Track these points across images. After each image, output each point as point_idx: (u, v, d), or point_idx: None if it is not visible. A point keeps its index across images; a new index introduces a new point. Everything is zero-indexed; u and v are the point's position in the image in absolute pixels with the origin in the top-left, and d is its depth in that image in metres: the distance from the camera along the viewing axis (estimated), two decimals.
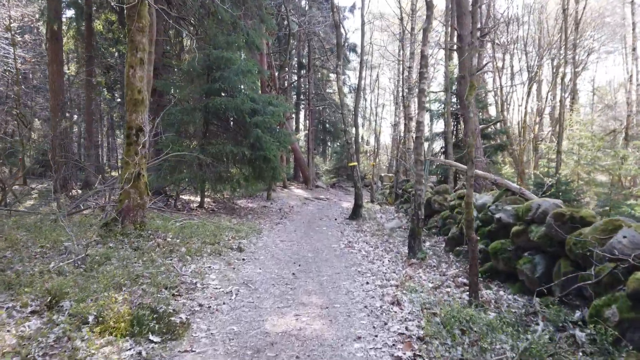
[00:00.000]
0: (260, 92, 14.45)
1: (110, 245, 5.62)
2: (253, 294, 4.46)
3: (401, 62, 28.07)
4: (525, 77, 20.86)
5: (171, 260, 5.37)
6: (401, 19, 18.48)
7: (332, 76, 31.52)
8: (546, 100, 20.69)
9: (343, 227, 9.83)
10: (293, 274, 5.41)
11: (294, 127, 27.21)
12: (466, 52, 10.03)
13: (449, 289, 4.62)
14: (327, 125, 31.22)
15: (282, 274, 5.38)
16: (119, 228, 6.02)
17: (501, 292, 4.55)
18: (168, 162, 10.68)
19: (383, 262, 6.07)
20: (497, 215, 5.06)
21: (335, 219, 11.26)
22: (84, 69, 14.89)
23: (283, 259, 6.29)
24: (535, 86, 20.62)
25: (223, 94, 10.81)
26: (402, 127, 34.04)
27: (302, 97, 27.25)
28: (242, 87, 10.85)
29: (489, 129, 11.98)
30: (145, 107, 6.54)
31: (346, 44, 27.45)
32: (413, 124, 24.20)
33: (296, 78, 28.80)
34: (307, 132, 26.62)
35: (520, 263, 4.41)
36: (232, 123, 11.67)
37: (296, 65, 26.95)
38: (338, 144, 33.33)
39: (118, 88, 18.71)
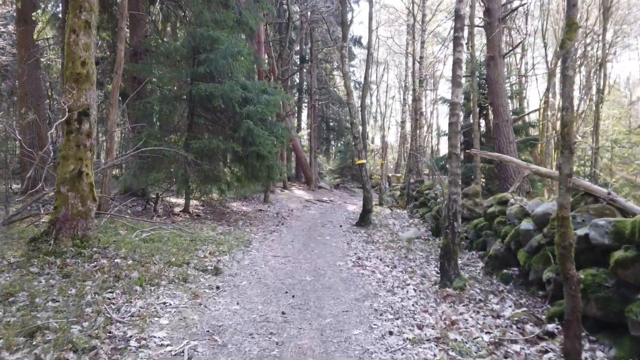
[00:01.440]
0: (257, 78, 12.88)
1: (33, 269, 4.07)
2: (216, 358, 2.89)
3: (410, 55, 26.48)
4: (543, 68, 19.14)
5: (112, 293, 3.82)
6: (412, 2, 16.87)
7: (336, 73, 30.01)
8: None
9: (350, 237, 8.24)
10: (283, 312, 3.83)
11: (295, 125, 25.67)
12: (496, 28, 8.43)
13: (517, 347, 3.02)
14: (331, 123, 29.65)
15: (267, 313, 3.80)
16: (51, 244, 4.48)
17: (599, 354, 2.94)
18: (144, 160, 9.17)
19: (407, 291, 4.47)
20: (581, 232, 3.45)
21: (340, 226, 9.67)
22: (60, 57, 13.41)
23: (272, 285, 4.71)
24: (556, 77, 18.86)
25: (209, 81, 9.25)
26: (408, 125, 32.40)
27: (304, 93, 25.69)
28: (231, 71, 9.30)
29: (518, 122, 10.36)
30: (92, 85, 4.99)
31: (351, 35, 25.88)
32: (424, 119, 22.55)
33: (298, 73, 27.26)
34: (309, 130, 25.06)
35: (635, 311, 2.81)
36: (221, 114, 10.12)
37: (298, 60, 25.42)
38: (342, 142, 31.75)
39: (108, 81, 17.27)
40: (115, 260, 4.56)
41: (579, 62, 18.40)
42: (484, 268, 5.31)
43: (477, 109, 8.73)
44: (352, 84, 29.58)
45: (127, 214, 8.80)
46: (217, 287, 4.45)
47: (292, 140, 19.17)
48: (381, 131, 31.86)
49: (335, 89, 29.41)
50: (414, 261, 6.06)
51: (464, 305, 3.99)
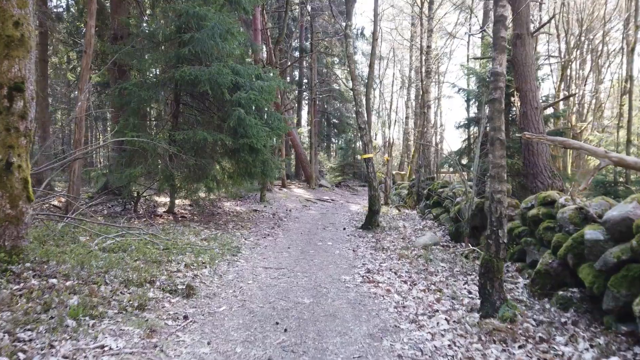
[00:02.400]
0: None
1: None
2: None
3: (415, 47, 25.36)
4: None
5: (32, 331, 2.72)
6: None
7: (337, 67, 28.85)
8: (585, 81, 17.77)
9: (355, 242, 7.14)
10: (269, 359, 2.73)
11: (295, 122, 24.55)
12: (524, 0, 7.30)
13: None
14: (332, 119, 28.54)
15: None
16: None
17: None
18: (123, 154, 8.10)
19: (437, 322, 3.37)
20: None
21: (344, 229, 8.56)
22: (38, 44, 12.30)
23: (260, 312, 3.61)
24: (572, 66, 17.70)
25: (196, 64, 8.13)
26: (411, 122, 31.27)
27: (304, 88, 24.56)
28: (220, 53, 8.18)
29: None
30: (28, 52, 3.87)
31: (354, 26, 24.74)
32: (432, 112, 21.43)
33: (298, 69, 26.13)
34: (309, 127, 23.94)
35: None
36: (210, 103, 9.00)
37: (297, 53, 24.28)
38: (343, 139, 30.62)
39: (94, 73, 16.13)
40: (51, 281, 3.45)
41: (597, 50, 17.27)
42: (529, 287, 4.21)
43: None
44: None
45: (100, 216, 7.73)
46: (185, 317, 3.35)
47: (291, 136, 18.08)
48: (384, 126, 30.77)
49: (336, 85, 28.30)
50: (436, 275, 4.96)
51: (520, 347, 2.89)
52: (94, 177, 7.81)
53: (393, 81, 31.68)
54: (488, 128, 3.68)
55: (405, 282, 4.64)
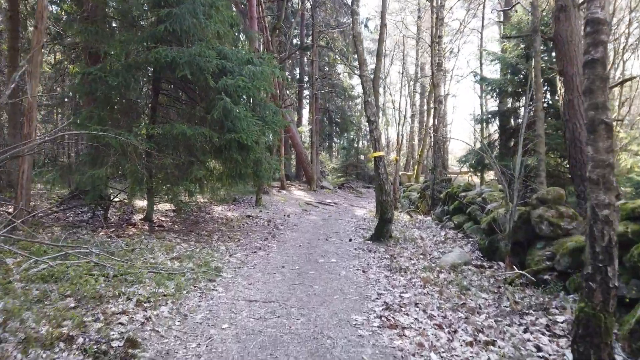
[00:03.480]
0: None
1: None
2: None
3: (422, 40, 24.11)
4: None
5: None
6: None
7: (340, 67, 27.53)
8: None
9: (365, 258, 5.84)
10: None
11: (295, 119, 23.26)
12: None
13: None
14: (334, 117, 27.23)
15: None
16: None
17: None
18: (91, 151, 6.86)
19: None
20: None
21: (350, 240, 7.27)
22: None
23: None
24: None
25: (176, 45, 6.86)
26: (416, 121, 29.93)
27: (304, 83, 23.26)
28: (204, 33, 6.90)
29: None
30: None
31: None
32: (443, 106, 20.10)
33: (297, 65, 24.85)
34: (310, 126, 22.64)
35: None
36: (194, 92, 7.73)
37: (297, 44, 22.98)
38: (345, 138, 29.31)
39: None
40: None
41: None
42: (625, 341, 2.90)
43: (541, 80, 6.30)
44: (356, 72, 27.19)
45: (60, 226, 6.47)
46: None
47: (290, 132, 16.78)
48: (387, 125, 29.46)
49: (338, 81, 26.99)
50: (478, 312, 3.66)
51: None
52: (49, 179, 6.52)
53: (402, 76, 30.28)
54: (586, 105, 2.36)
55: (439, 326, 3.34)
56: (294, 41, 19.94)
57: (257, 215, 10.11)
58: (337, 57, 25.39)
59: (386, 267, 5.33)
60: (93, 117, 6.49)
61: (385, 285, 4.54)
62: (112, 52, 7.02)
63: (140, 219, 7.74)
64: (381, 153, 6.79)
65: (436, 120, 14.28)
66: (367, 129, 29.87)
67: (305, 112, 28.73)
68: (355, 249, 6.53)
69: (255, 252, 6.18)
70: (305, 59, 24.74)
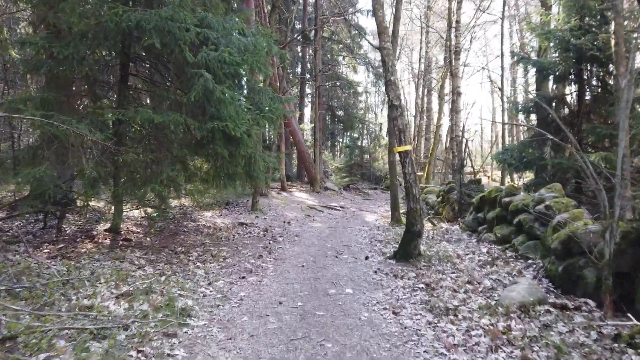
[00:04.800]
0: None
1: None
2: None
3: (431, 29, 22.65)
4: None
5: None
6: None
7: (344, 61, 25.95)
8: None
9: (392, 289, 4.31)
10: None
11: (297, 117, 21.74)
12: None
13: None
14: (338, 112, 25.70)
15: None
16: None
17: None
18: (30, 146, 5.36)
19: None
20: None
21: (367, 257, 5.73)
22: None
23: None
24: None
25: (142, 7, 5.33)
26: (422, 118, 28.32)
27: (306, 76, 21.70)
28: None
29: None
30: None
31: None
32: (462, 99, 18.55)
33: (299, 61, 23.32)
34: (313, 125, 21.09)
35: None
36: (171, 69, 6.20)
37: (299, 40, 21.45)
38: (349, 136, 27.79)
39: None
40: None
41: None
42: None
43: (623, 49, 4.71)
44: (361, 68, 25.57)
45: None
46: None
47: (290, 126, 15.24)
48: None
49: (343, 75, 25.47)
50: None
51: None
52: None
53: (410, 68, 28.75)
54: None
55: None
56: (296, 27, 18.39)
57: (252, 222, 8.60)
58: (341, 49, 23.87)
59: (424, 304, 3.79)
60: (33, 99, 4.99)
61: (432, 342, 3.00)
62: (64, 18, 5.50)
63: (105, 230, 6.24)
64: (408, 147, 5.26)
65: (455, 114, 12.76)
66: (369, 126, 28.45)
67: (308, 111, 27.24)
68: (376, 271, 4.99)
69: (244, 277, 4.65)
70: (308, 56, 23.23)
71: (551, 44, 6.68)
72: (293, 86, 22.37)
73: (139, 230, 6.62)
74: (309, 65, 23.35)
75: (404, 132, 5.29)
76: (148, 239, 6.12)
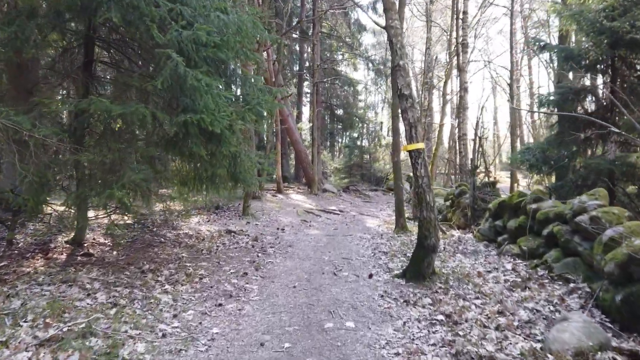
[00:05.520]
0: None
1: None
2: None
3: (433, 23, 21.82)
4: None
5: None
6: None
7: (343, 57, 25.05)
8: None
9: (404, 321, 3.44)
10: None
11: (295, 116, 20.86)
12: None
13: None
14: (336, 110, 24.82)
15: None
16: None
17: None
18: None
19: None
20: None
21: (371, 276, 4.85)
22: None
23: None
24: None
25: None
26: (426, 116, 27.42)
27: (304, 72, 20.81)
28: None
29: None
30: None
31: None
32: (472, 93, 17.67)
33: (297, 60, 22.44)
34: (311, 124, 20.21)
35: None
36: (139, 52, 5.32)
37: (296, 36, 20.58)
38: (349, 136, 26.92)
39: None
40: None
41: None
42: None
43: None
44: (361, 64, 24.67)
45: None
46: None
47: (286, 123, 14.36)
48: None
49: (341, 71, 24.58)
50: None
51: None
52: None
53: (417, 64, 27.86)
54: None
55: None
56: (294, 21, 17.52)
57: (241, 229, 7.73)
58: (340, 45, 22.98)
59: (448, 346, 2.92)
60: None
61: None
62: None
63: (66, 242, 5.36)
64: (420, 145, 4.39)
65: (462, 111, 11.90)
66: (369, 126, 27.48)
67: (306, 111, 26.33)
68: (382, 295, 4.12)
69: (220, 304, 3.78)
70: (306, 53, 22.37)
71: (574, 27, 5.81)
72: (291, 84, 21.50)
73: (106, 242, 5.74)
74: (307, 63, 22.50)
75: (415, 126, 4.42)
76: (115, 252, 5.25)
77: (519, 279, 4.31)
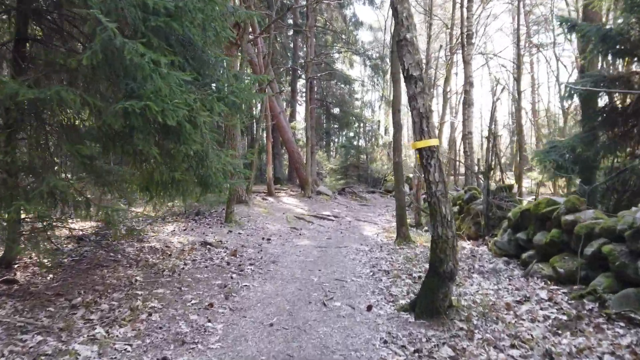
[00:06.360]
0: None
1: None
2: None
3: (435, 16, 20.88)
4: None
5: None
6: None
7: (338, 54, 24.00)
8: None
9: None
10: None
11: (288, 114, 19.83)
12: None
13: None
14: (333, 110, 23.85)
15: None
16: None
17: None
18: None
19: None
20: None
21: (369, 307, 3.84)
22: None
23: None
24: None
25: None
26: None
27: (297, 66, 19.76)
28: None
29: None
30: None
31: None
32: (474, 90, 16.78)
33: (291, 54, 21.41)
34: (305, 124, 19.17)
35: None
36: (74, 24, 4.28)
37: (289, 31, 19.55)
38: (345, 136, 25.92)
39: None
40: None
41: None
42: None
43: None
44: (358, 59, 23.67)
45: None
46: None
47: (277, 119, 13.33)
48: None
49: (337, 68, 23.57)
50: None
51: None
52: None
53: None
54: None
55: None
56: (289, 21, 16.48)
57: (220, 240, 6.71)
58: (336, 40, 21.96)
59: None
60: None
61: None
62: None
63: None
64: (433, 142, 3.38)
65: (467, 107, 10.94)
66: (366, 124, 26.32)
67: (301, 110, 25.27)
68: (385, 341, 3.10)
69: (164, 358, 2.75)
70: (300, 50, 21.32)
71: (607, 3, 4.85)
72: (286, 82, 20.49)
73: (46, 261, 4.68)
74: (302, 60, 21.49)
75: (427, 118, 3.41)
76: (49, 276, 4.20)
77: (564, 316, 3.31)
